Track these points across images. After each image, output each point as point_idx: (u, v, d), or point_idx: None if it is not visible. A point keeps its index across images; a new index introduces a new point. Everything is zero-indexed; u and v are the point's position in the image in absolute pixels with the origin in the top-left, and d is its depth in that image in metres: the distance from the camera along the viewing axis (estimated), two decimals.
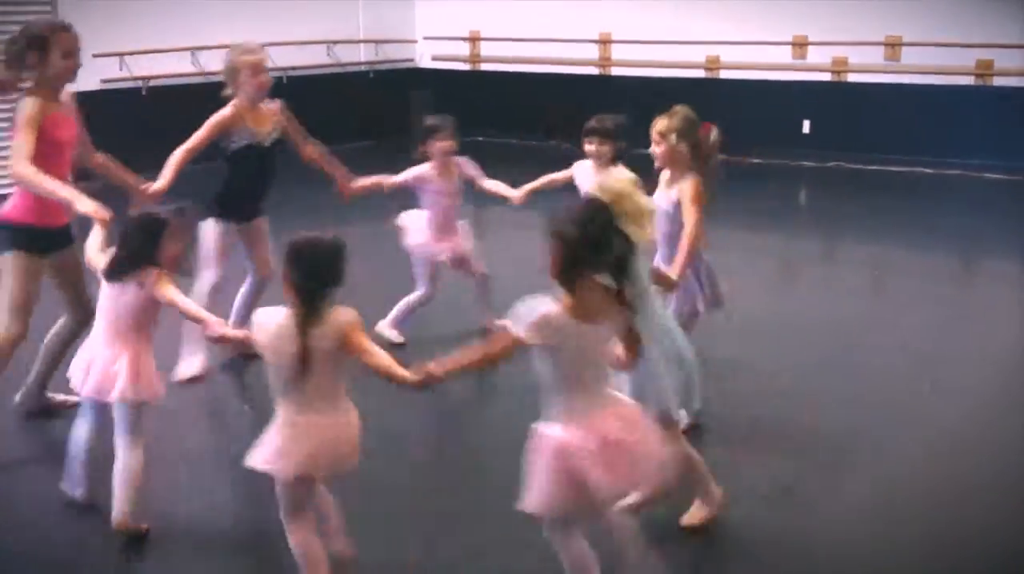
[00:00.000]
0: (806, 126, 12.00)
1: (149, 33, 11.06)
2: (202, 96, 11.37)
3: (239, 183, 5.33)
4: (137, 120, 11.07)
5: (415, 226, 5.75)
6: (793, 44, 11.88)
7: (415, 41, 14.50)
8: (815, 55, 11.87)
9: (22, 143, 4.25)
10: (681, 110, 4.43)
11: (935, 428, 4.79)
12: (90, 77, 10.65)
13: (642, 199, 3.22)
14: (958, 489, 4.20)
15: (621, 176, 4.08)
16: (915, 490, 4.19)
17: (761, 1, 11.84)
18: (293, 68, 12.53)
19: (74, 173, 4.74)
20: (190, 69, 11.55)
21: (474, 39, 14.17)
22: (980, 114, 11.06)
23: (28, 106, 4.32)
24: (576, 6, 13.17)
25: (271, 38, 12.25)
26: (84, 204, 4.15)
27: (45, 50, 4.38)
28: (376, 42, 13.89)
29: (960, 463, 4.45)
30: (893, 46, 11.41)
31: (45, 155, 4.32)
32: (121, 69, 10.93)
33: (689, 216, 4.31)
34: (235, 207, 5.33)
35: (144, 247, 3.65)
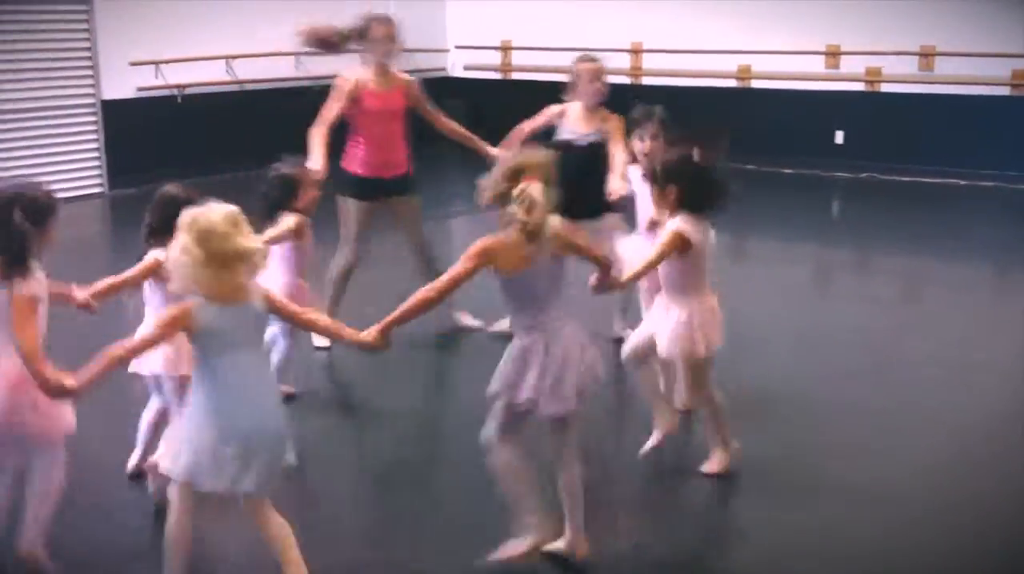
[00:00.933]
0: (839, 136, 11.93)
1: (184, 42, 11.16)
2: (235, 104, 11.69)
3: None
4: (172, 127, 11.19)
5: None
6: (826, 54, 11.82)
7: (447, 50, 14.55)
8: (848, 64, 11.80)
9: (325, 107, 5.82)
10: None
11: (968, 438, 4.75)
12: (126, 85, 10.82)
13: None
14: (993, 498, 4.17)
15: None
16: (949, 499, 4.15)
17: (793, 10, 11.80)
18: (326, 77, 12.58)
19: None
20: (224, 78, 11.65)
21: (506, 48, 14.20)
22: (1015, 125, 10.96)
23: (339, 80, 5.95)
24: (608, 15, 13.17)
25: (304, 47, 12.36)
26: (313, 161, 5.48)
27: (365, 36, 5.82)
28: (408, 51, 13.89)
29: (994, 473, 4.41)
30: (927, 56, 11.33)
31: (360, 119, 5.88)
32: (157, 77, 11.04)
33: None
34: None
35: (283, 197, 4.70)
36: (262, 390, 3.20)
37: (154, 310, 3.93)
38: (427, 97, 6.16)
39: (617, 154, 5.39)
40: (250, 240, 3.10)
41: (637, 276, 4.10)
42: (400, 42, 5.98)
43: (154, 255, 3.95)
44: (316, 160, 5.56)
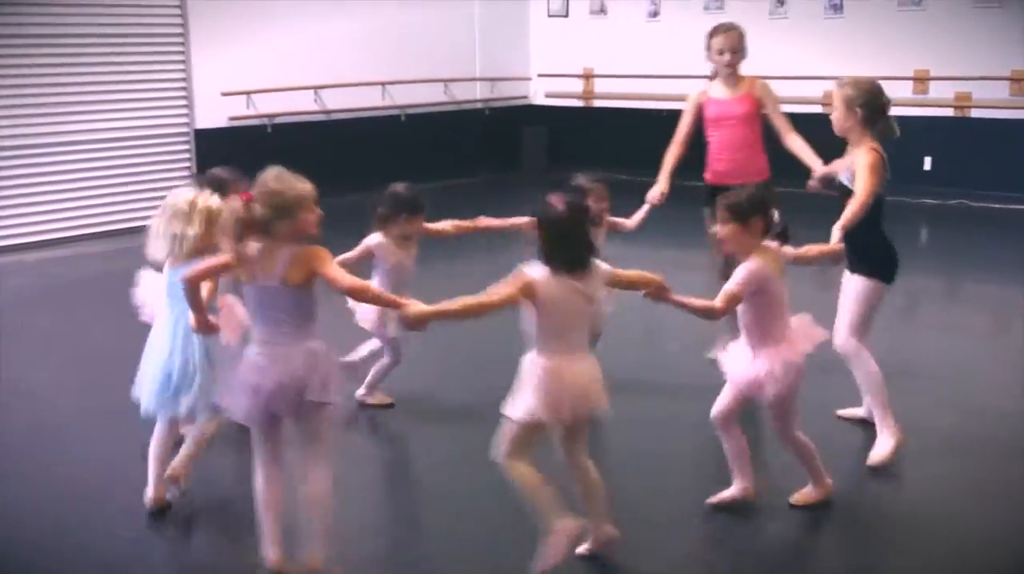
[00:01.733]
0: (927, 163, 11.74)
1: (274, 73, 11.46)
2: (323, 133, 11.93)
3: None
4: (262, 155, 11.37)
5: None
6: (914, 79, 11.66)
7: (529, 79, 14.68)
8: (937, 90, 11.62)
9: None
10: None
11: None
12: (219, 114, 11.14)
13: None
14: None
15: None
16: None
17: (881, 35, 11.67)
18: (411, 106, 12.84)
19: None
20: (313, 107, 11.92)
21: (587, 76, 14.28)
22: None
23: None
24: (690, 42, 13.16)
25: (390, 77, 12.62)
26: (657, 183, 5.87)
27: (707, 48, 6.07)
28: (491, 80, 14.11)
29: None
30: (1019, 81, 11.10)
31: (708, 129, 5.90)
32: (248, 107, 11.34)
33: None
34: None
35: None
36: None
37: (377, 282, 5.01)
38: (775, 100, 6.04)
39: None
40: None
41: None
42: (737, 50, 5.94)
43: (375, 238, 5.13)
44: (660, 182, 5.84)
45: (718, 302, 3.86)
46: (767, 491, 4.26)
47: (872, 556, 3.91)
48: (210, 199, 4.34)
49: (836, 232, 4.34)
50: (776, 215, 3.92)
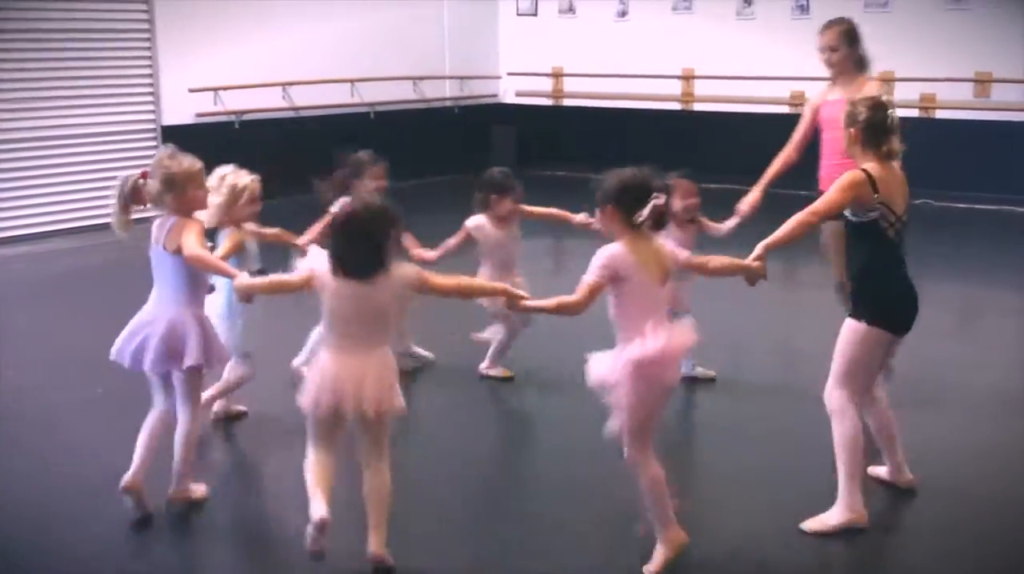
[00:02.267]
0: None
1: (242, 69, 11.40)
2: (291, 130, 11.88)
3: None
4: (230, 152, 11.32)
5: None
6: (880, 80, 11.74)
7: (499, 77, 14.69)
8: (902, 91, 11.72)
9: None
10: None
11: None
12: (186, 111, 11.06)
13: None
14: None
15: None
16: (1006, 534, 4.10)
17: None
18: (381, 104, 12.81)
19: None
20: (281, 104, 11.87)
21: (557, 75, 14.31)
22: None
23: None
24: (659, 42, 13.23)
25: (360, 74, 12.58)
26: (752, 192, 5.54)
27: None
28: (461, 78, 14.11)
29: None
30: (983, 82, 11.23)
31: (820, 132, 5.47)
32: (216, 103, 11.27)
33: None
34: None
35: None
36: None
37: (483, 262, 5.57)
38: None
39: None
40: None
41: None
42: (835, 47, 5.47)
43: (473, 220, 5.59)
44: (754, 190, 5.60)
45: (576, 294, 3.55)
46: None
47: None
48: (238, 176, 5.17)
49: (758, 249, 3.92)
50: (658, 202, 3.56)
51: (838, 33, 5.50)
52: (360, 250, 3.48)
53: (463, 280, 3.90)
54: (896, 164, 4.17)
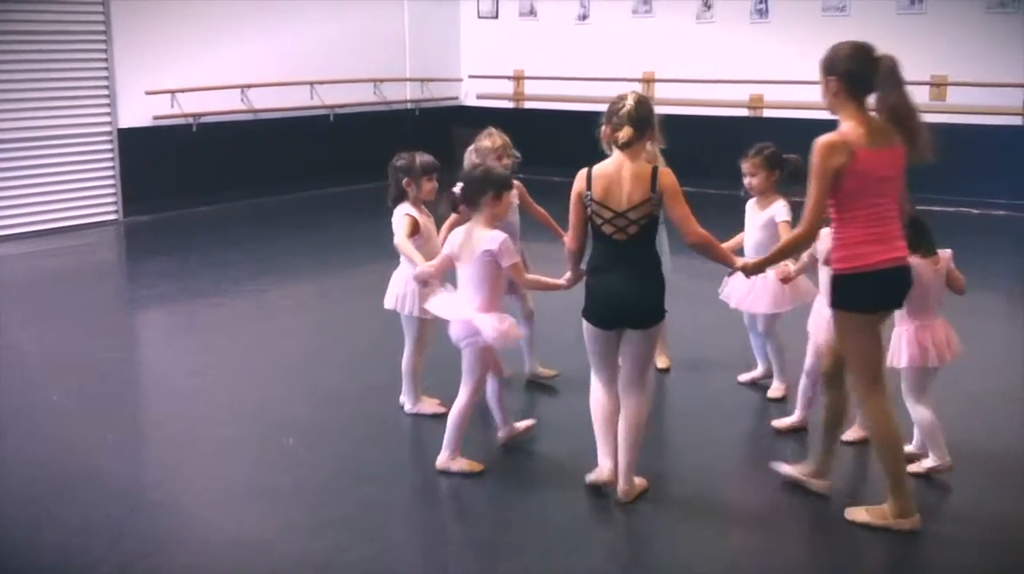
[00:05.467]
0: None
1: (200, 71, 11.28)
2: (250, 133, 11.78)
3: None
4: (187, 155, 11.28)
5: None
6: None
7: (460, 80, 14.66)
8: None
9: None
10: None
11: (992, 466, 4.75)
12: (142, 113, 10.92)
13: None
14: (1006, 524, 4.17)
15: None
16: (973, 529, 4.13)
17: (807, 40, 11.81)
18: (340, 106, 12.73)
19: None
20: (239, 106, 11.75)
21: (518, 78, 14.30)
22: None
23: None
24: (620, 45, 13.26)
25: (320, 76, 12.50)
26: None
27: None
28: (422, 80, 14.07)
29: (1018, 499, 4.42)
30: (939, 86, 11.36)
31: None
32: (172, 106, 11.14)
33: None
34: None
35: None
36: None
37: None
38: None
39: None
40: None
41: None
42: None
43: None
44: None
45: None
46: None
47: None
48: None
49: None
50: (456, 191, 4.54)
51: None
52: None
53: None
54: (635, 157, 4.14)
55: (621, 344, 4.26)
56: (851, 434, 4.85)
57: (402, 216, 5.06)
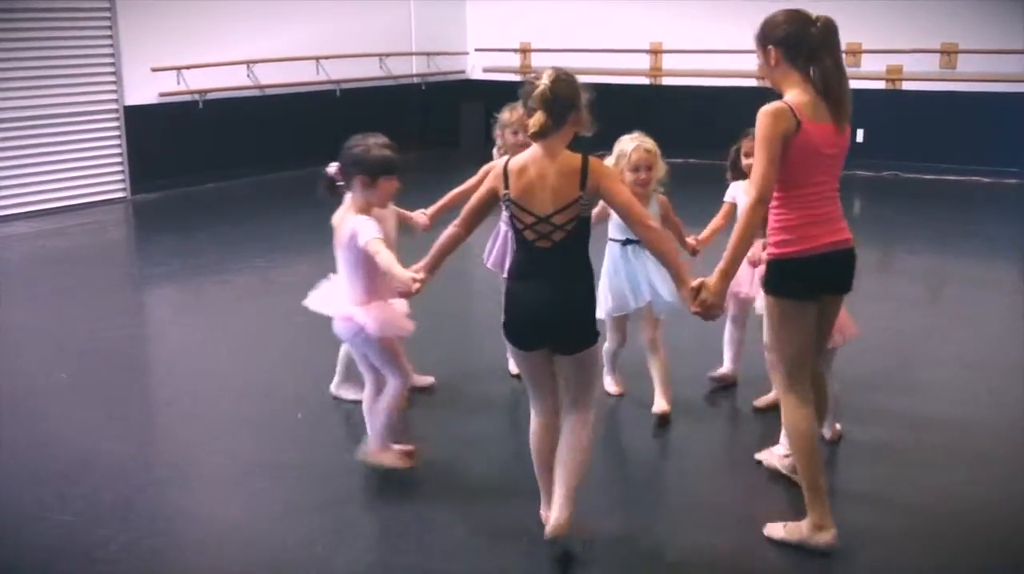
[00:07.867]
0: (860, 135, 11.86)
1: (205, 48, 11.24)
2: (256, 109, 11.74)
3: None
4: (193, 132, 11.26)
5: None
6: (847, 52, 11.73)
7: (466, 53, 14.58)
8: (869, 63, 11.75)
9: None
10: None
11: (991, 439, 4.72)
12: (148, 90, 10.90)
13: None
14: (1016, 500, 4.14)
15: None
16: (971, 501, 4.12)
17: (815, 8, 11.74)
18: (346, 80, 12.68)
19: None
20: (245, 83, 11.72)
21: (525, 50, 14.22)
22: None
23: None
24: (627, 16, 13.17)
25: (325, 51, 12.44)
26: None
27: None
28: (428, 54, 14.00)
29: (1018, 474, 4.39)
30: (949, 54, 11.27)
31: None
32: (178, 83, 11.11)
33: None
34: None
35: None
36: None
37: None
38: None
39: None
40: None
41: None
42: None
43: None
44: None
45: None
46: None
47: None
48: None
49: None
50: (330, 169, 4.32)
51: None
52: None
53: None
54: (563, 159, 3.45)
55: (555, 366, 3.55)
56: (763, 400, 4.93)
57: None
